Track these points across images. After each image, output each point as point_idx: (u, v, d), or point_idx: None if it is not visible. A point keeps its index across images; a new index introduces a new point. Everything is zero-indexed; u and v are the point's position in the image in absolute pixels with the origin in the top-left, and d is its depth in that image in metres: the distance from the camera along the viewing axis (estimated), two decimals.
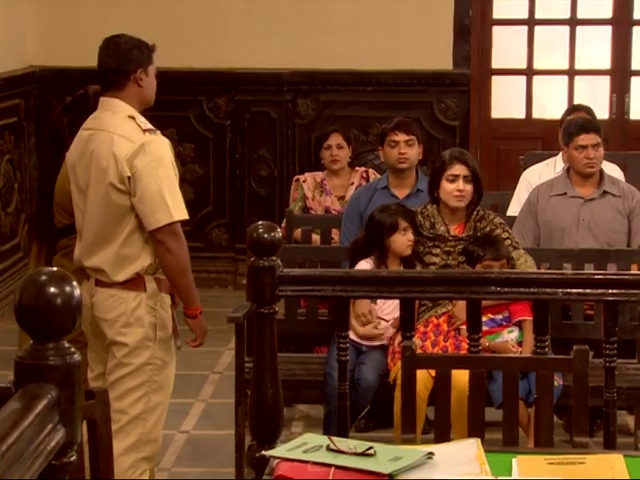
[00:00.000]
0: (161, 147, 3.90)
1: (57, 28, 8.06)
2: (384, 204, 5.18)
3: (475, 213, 4.98)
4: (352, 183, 6.52)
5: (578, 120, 5.73)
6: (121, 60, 3.93)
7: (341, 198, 6.48)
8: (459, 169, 4.95)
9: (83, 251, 3.99)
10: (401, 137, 5.67)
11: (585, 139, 5.46)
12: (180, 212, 3.89)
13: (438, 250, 4.95)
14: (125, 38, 4.00)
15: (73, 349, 1.89)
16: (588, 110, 6.30)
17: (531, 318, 4.70)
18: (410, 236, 4.91)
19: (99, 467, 2.60)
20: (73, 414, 1.88)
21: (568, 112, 6.36)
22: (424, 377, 4.28)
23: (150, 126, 3.91)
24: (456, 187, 4.92)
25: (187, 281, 3.95)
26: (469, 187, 4.94)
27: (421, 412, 4.35)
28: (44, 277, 1.88)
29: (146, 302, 3.91)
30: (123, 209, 3.89)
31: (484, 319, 4.49)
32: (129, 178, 3.84)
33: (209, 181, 8.14)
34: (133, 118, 3.90)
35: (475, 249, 4.82)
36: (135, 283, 3.91)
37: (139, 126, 3.88)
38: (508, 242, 4.94)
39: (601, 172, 5.55)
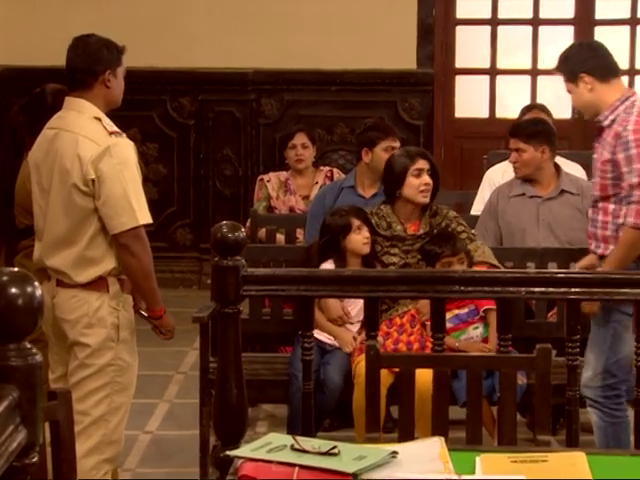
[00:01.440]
0: (126, 150, 3.88)
1: (19, 27, 8.01)
2: (336, 207, 5.19)
3: (429, 209, 5.01)
4: (316, 182, 6.52)
5: (516, 123, 5.86)
6: (90, 60, 3.90)
7: (305, 197, 6.48)
8: (423, 163, 5.01)
9: (43, 251, 3.96)
10: (397, 144, 5.71)
11: (511, 143, 5.58)
12: (145, 216, 3.87)
13: (396, 250, 4.96)
14: (95, 38, 3.96)
15: (35, 350, 1.88)
16: (542, 108, 6.36)
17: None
18: (365, 233, 4.90)
19: (62, 468, 2.59)
20: (35, 415, 1.87)
21: (523, 112, 6.43)
22: (383, 374, 4.27)
23: (116, 129, 3.89)
24: (422, 181, 4.96)
25: (151, 284, 3.94)
26: (431, 182, 4.99)
27: (381, 409, 4.35)
28: (5, 277, 1.87)
29: (108, 303, 3.89)
30: (86, 211, 3.86)
31: (449, 316, 4.50)
32: (93, 181, 3.81)
33: (173, 181, 8.12)
34: (99, 120, 3.87)
35: (432, 248, 4.83)
36: (98, 284, 3.89)
37: (105, 128, 3.85)
38: (464, 235, 4.96)
39: (559, 171, 5.59)
